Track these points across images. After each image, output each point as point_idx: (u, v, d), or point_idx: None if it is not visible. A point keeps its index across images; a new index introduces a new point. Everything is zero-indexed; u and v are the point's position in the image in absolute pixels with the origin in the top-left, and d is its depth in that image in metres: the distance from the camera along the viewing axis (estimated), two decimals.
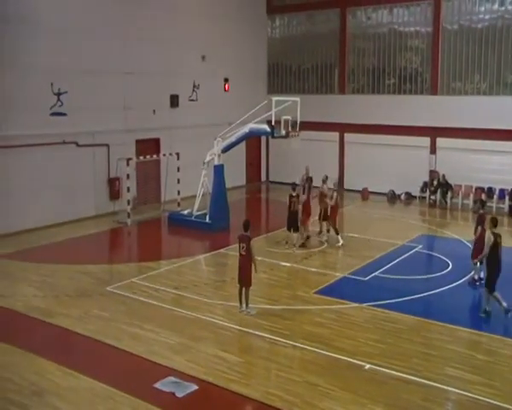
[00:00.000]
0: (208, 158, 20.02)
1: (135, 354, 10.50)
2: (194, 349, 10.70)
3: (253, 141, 26.85)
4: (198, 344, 10.90)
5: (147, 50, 22.62)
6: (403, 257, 16.63)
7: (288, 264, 15.98)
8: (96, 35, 20.74)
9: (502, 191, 23.18)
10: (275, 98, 19.31)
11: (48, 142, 19.36)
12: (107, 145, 21.50)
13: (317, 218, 18.45)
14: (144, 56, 22.56)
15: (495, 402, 8.89)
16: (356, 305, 12.91)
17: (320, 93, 28.42)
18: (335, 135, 27.59)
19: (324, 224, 18.34)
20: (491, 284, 12.14)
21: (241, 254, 12.34)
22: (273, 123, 18.87)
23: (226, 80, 27.14)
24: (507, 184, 22.95)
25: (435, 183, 24.39)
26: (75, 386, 9.44)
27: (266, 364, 10.26)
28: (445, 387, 9.39)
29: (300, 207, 17.35)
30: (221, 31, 26.17)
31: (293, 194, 17.36)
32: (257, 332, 11.43)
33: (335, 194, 17.92)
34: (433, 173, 24.78)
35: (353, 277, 14.89)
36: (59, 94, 19.72)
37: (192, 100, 25.26)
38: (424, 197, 24.76)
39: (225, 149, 19.97)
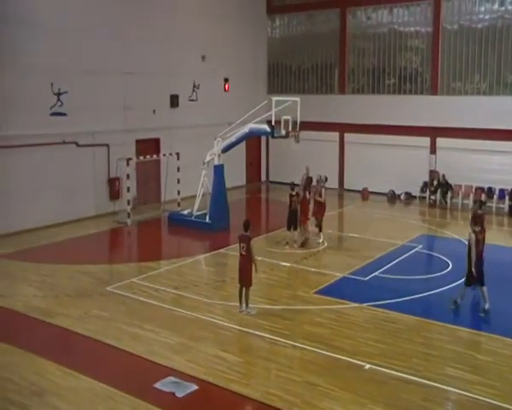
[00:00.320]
0: (208, 158, 20.02)
1: (135, 354, 10.49)
2: (194, 349, 10.70)
3: (253, 141, 26.85)
4: (198, 344, 10.90)
5: (147, 50, 22.62)
6: (403, 257, 16.63)
7: (287, 264, 15.97)
8: (96, 35, 20.74)
9: (502, 191, 23.18)
10: (275, 98, 19.33)
11: (48, 142, 19.36)
12: (107, 145, 21.50)
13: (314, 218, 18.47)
14: (144, 56, 22.56)
15: (495, 402, 8.89)
16: (356, 305, 12.91)
17: (320, 93, 28.42)
18: (335, 135, 27.58)
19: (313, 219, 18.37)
20: (468, 278, 12.47)
21: (241, 254, 12.35)
22: (273, 123, 18.89)
23: (226, 80, 27.14)
24: (507, 184, 22.95)
25: (435, 183, 24.37)
26: (75, 386, 9.44)
27: (266, 364, 10.26)
28: (445, 387, 9.39)
29: (299, 206, 17.41)
30: (221, 31, 26.17)
31: (293, 193, 17.45)
32: (257, 332, 11.43)
33: (323, 190, 18.01)
34: (433, 173, 24.77)
35: (353, 277, 14.89)
36: (59, 94, 19.72)
37: (192, 100, 25.25)
38: (424, 197, 24.74)
39: (225, 149, 19.98)
